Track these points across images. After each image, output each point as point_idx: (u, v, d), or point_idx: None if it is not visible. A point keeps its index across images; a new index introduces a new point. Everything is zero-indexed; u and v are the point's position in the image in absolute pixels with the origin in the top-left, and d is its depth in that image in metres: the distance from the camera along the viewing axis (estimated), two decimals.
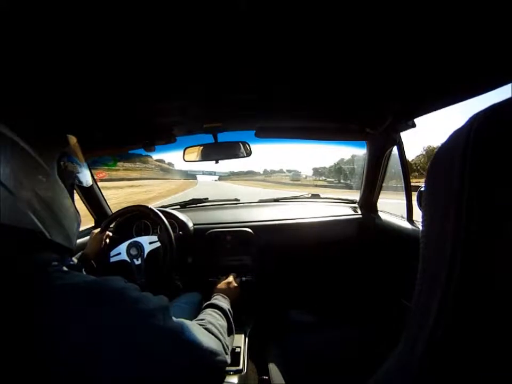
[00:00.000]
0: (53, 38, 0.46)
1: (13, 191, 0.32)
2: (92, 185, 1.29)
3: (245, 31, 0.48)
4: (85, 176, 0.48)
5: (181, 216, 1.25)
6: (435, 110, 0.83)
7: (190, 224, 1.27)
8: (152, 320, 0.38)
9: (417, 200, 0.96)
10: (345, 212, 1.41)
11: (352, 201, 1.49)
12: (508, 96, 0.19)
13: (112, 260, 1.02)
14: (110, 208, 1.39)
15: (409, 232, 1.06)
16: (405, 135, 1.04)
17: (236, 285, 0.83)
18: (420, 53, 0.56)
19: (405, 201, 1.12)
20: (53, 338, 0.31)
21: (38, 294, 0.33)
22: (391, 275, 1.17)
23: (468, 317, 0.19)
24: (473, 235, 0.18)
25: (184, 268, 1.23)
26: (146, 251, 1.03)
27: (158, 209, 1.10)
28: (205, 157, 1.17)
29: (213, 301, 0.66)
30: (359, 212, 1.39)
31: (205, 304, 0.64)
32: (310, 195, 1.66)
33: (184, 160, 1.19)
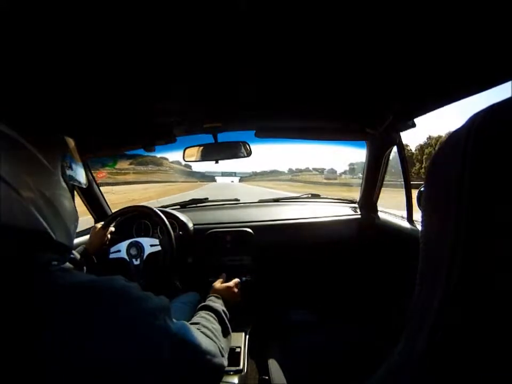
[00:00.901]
0: (54, 38, 0.46)
1: (19, 191, 0.33)
2: (92, 185, 1.29)
3: (245, 31, 0.48)
4: (82, 177, 0.49)
5: (181, 216, 1.25)
6: (435, 109, 0.83)
7: (190, 225, 1.27)
8: (154, 320, 0.38)
9: (417, 200, 0.96)
10: (345, 212, 1.41)
11: (352, 201, 1.50)
12: (508, 95, 0.19)
13: (111, 256, 1.02)
14: (110, 208, 1.40)
15: (409, 232, 1.06)
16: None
17: (229, 284, 0.82)
18: (419, 52, 0.56)
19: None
20: (54, 338, 0.31)
21: (39, 294, 0.33)
22: (391, 275, 1.16)
23: (467, 317, 0.19)
24: (473, 235, 0.18)
25: (184, 268, 1.23)
26: (146, 253, 1.03)
27: (158, 209, 1.10)
28: (204, 157, 1.16)
29: (207, 302, 0.66)
30: (359, 212, 1.39)
31: (199, 306, 0.64)
32: (310, 195, 1.66)
33: (184, 160, 1.19)
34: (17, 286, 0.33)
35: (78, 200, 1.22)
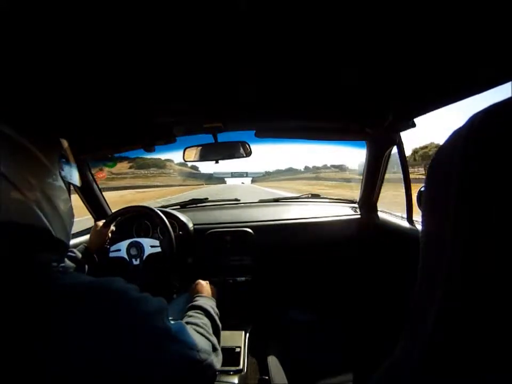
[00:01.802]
0: (54, 38, 0.46)
1: (22, 190, 0.33)
2: (92, 185, 1.29)
3: (245, 31, 0.48)
4: (76, 177, 0.49)
5: (181, 216, 1.25)
6: (435, 109, 0.83)
7: (190, 225, 1.27)
8: (152, 321, 0.38)
9: (417, 200, 0.96)
10: (345, 212, 1.41)
11: (352, 201, 1.50)
12: (508, 95, 0.19)
13: (111, 254, 1.03)
14: (110, 208, 1.40)
15: (409, 232, 1.06)
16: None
17: (202, 283, 0.83)
18: (419, 52, 0.56)
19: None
20: (54, 338, 0.31)
21: (39, 295, 0.33)
22: (391, 275, 1.17)
23: (467, 317, 0.19)
24: (473, 235, 0.18)
25: (184, 268, 1.23)
26: (146, 253, 1.03)
27: (158, 210, 1.10)
28: (204, 157, 1.17)
29: (193, 302, 0.66)
30: (359, 212, 1.39)
31: (187, 306, 0.65)
32: (310, 195, 1.66)
33: (184, 160, 1.19)
34: (17, 287, 0.33)
35: (78, 201, 1.22)
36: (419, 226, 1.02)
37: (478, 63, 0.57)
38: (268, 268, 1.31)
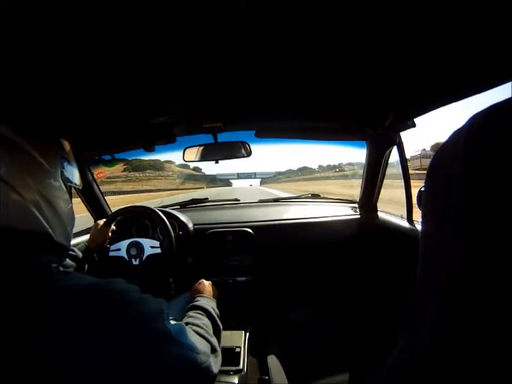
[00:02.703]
0: (54, 39, 0.46)
1: (21, 192, 0.33)
2: (92, 185, 1.29)
3: (245, 31, 0.48)
4: (77, 179, 0.49)
5: (181, 216, 1.25)
6: (435, 109, 0.83)
7: (190, 225, 1.27)
8: (152, 323, 0.38)
9: (417, 200, 0.96)
10: (345, 212, 1.41)
11: (352, 201, 1.50)
12: (508, 95, 0.19)
13: (110, 253, 1.03)
14: (109, 208, 1.39)
15: (409, 232, 1.06)
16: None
17: (204, 283, 0.84)
18: (419, 52, 0.56)
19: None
20: (54, 339, 0.32)
21: (39, 296, 0.33)
22: (391, 275, 1.17)
23: (467, 317, 0.19)
24: (473, 235, 0.18)
25: (184, 268, 1.23)
26: (145, 254, 1.03)
27: (158, 209, 1.10)
28: (204, 157, 1.17)
29: (194, 302, 0.66)
30: (359, 212, 1.39)
31: (188, 306, 0.65)
32: (310, 195, 1.66)
33: (184, 160, 1.19)
34: (17, 287, 0.33)
35: (78, 200, 1.21)
36: (419, 226, 1.02)
37: (478, 63, 0.57)
38: (268, 268, 1.31)
